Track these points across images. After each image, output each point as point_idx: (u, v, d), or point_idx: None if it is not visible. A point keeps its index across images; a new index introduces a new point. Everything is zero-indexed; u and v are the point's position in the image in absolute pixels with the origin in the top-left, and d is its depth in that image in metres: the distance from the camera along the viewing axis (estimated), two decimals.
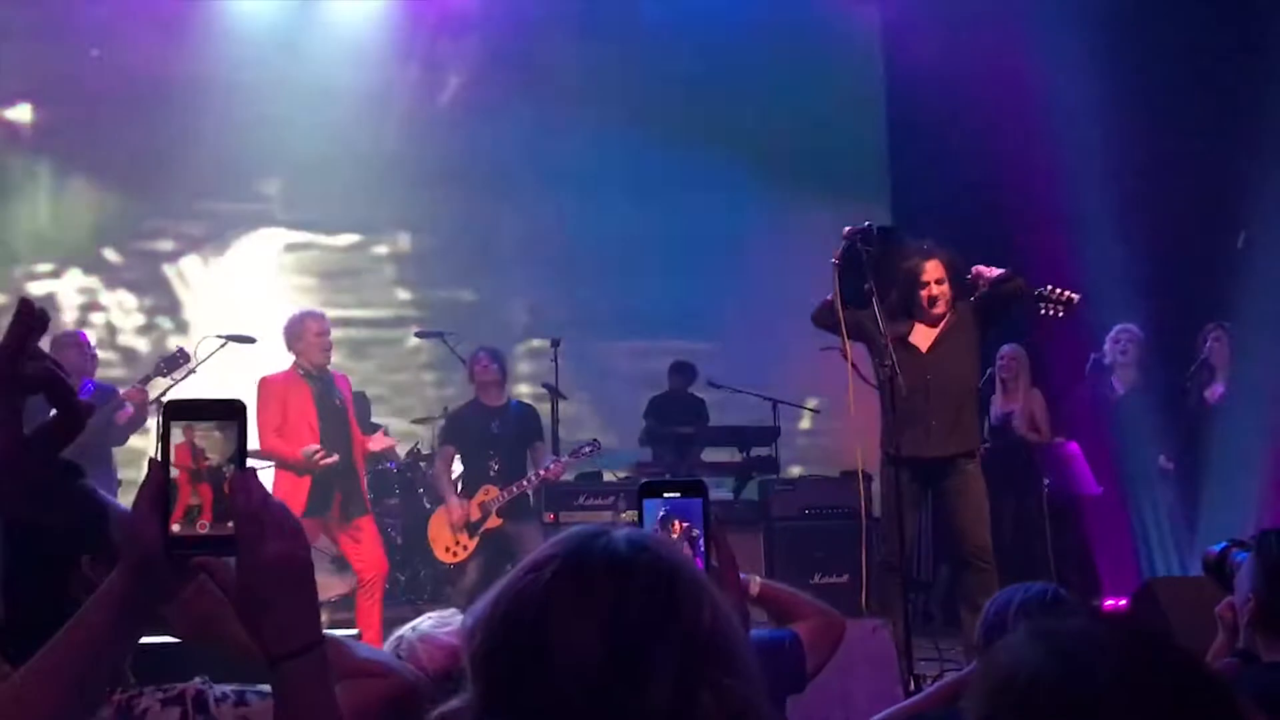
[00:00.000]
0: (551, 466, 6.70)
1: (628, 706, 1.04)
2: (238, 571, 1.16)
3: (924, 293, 5.54)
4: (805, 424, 8.91)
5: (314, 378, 6.16)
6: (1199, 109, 7.46)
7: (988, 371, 6.80)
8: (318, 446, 5.96)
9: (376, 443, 6.53)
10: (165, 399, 4.80)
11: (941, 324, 5.57)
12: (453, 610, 2.35)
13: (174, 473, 1.17)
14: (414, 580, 7.69)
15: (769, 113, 9.43)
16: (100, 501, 1.54)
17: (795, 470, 8.45)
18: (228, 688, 1.73)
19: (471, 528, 6.68)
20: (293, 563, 1.16)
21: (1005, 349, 7.09)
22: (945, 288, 5.55)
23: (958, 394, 5.54)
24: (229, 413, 1.19)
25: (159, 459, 1.17)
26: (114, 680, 1.58)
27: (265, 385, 6.12)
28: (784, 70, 9.46)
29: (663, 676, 1.04)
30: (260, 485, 1.18)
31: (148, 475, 1.17)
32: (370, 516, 6.32)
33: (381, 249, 9.32)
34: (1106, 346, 7.12)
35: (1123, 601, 6.34)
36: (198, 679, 1.73)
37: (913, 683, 4.62)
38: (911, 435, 5.41)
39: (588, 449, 6.95)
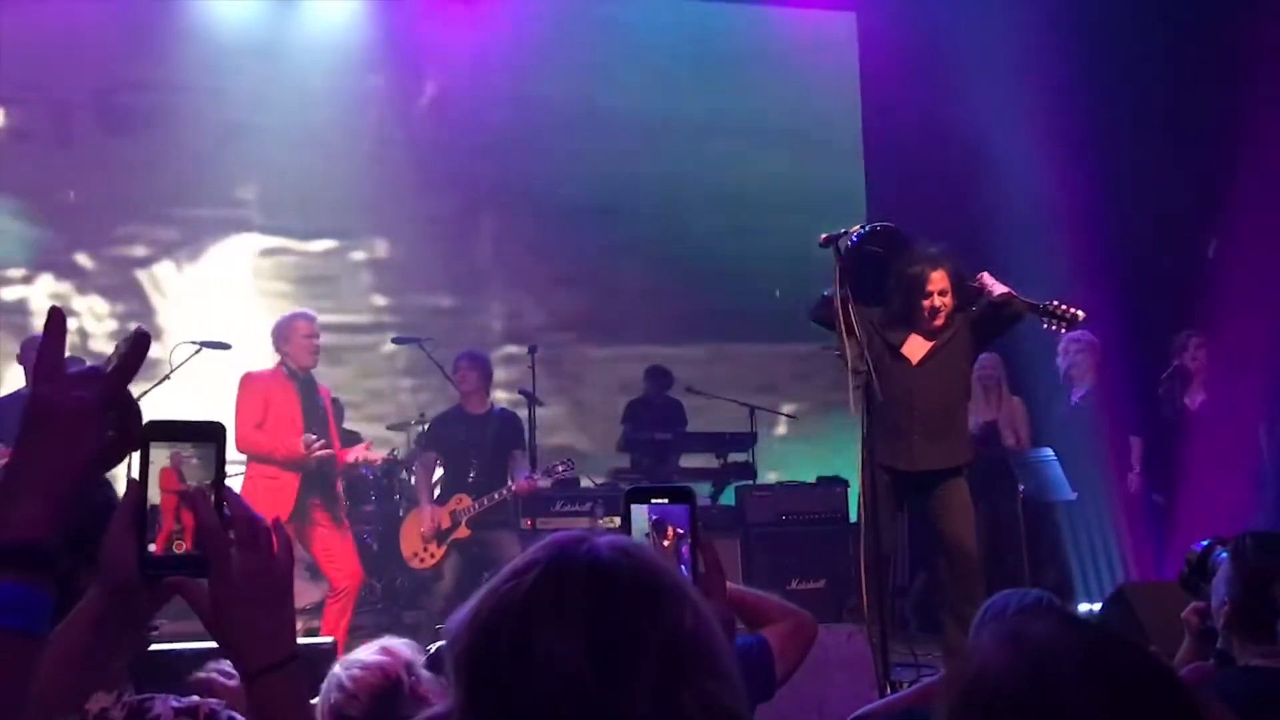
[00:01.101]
0: (523, 482, 6.62)
1: (610, 712, 1.03)
2: (209, 587, 1.15)
3: (926, 303, 5.34)
4: (781, 430, 8.93)
5: (299, 379, 6.09)
6: (1172, 118, 7.53)
7: None
8: (315, 436, 5.89)
9: (354, 454, 6.38)
10: (144, 419, 4.73)
11: (938, 338, 5.43)
12: (384, 637, 2.40)
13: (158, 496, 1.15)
14: (390, 587, 7.65)
15: (745, 124, 9.46)
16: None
17: (772, 476, 8.45)
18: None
19: (440, 536, 6.65)
20: (263, 578, 1.16)
21: (984, 357, 7.08)
22: (948, 299, 5.35)
23: (944, 409, 5.42)
24: (209, 434, 1.18)
25: (137, 479, 1.15)
26: (113, 682, 1.57)
27: (248, 380, 6.03)
28: (760, 85, 9.52)
29: (645, 682, 1.04)
30: (238, 501, 1.18)
31: (125, 496, 1.15)
32: (346, 525, 6.25)
33: (358, 255, 9.27)
34: (1059, 359, 7.13)
35: (1096, 606, 6.37)
36: (214, 700, 1.70)
37: (888, 689, 4.62)
38: (894, 448, 5.31)
39: (561, 467, 6.82)
